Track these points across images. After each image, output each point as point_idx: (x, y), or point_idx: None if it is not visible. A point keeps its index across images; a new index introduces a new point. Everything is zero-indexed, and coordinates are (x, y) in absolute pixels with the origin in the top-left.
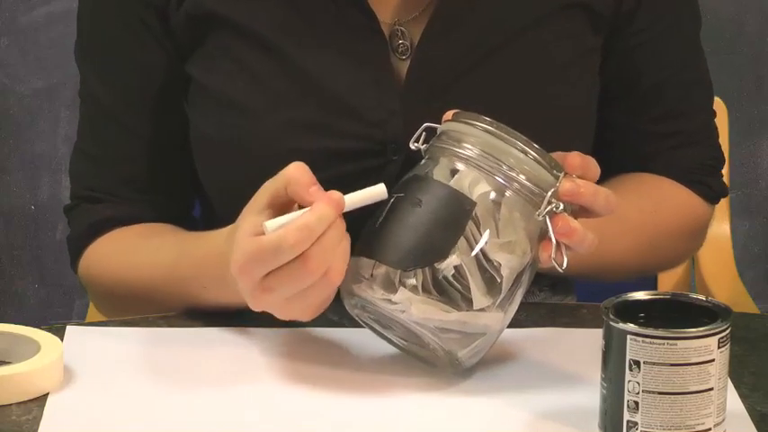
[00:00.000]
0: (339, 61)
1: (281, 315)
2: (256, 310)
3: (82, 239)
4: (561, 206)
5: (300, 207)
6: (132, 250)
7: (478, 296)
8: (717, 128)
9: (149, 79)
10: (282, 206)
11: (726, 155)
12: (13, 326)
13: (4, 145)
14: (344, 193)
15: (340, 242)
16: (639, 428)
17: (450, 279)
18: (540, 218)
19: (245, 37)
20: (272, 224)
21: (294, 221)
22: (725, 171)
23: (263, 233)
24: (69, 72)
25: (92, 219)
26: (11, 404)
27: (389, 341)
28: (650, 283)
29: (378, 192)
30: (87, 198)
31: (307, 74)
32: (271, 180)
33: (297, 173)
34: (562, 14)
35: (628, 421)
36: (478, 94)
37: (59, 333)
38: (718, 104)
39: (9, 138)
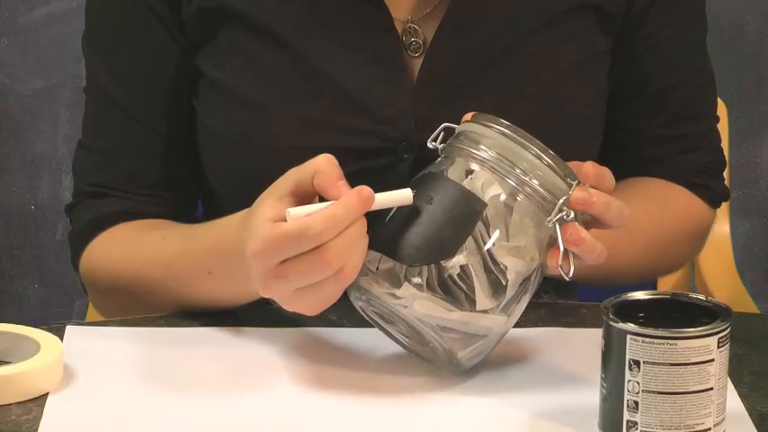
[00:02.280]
0: (352, 58)
1: (287, 305)
2: (265, 296)
3: (84, 235)
4: (572, 214)
5: (321, 200)
6: (135, 244)
7: (482, 297)
8: (719, 131)
9: (158, 71)
10: (305, 196)
11: (726, 155)
12: (13, 326)
13: (4, 145)
14: None
15: (360, 240)
16: (639, 428)
17: (456, 278)
18: (551, 224)
19: (257, 32)
20: (296, 212)
21: (321, 211)
22: (725, 171)
23: (284, 220)
24: (69, 72)
25: (95, 213)
26: (11, 404)
27: (391, 337)
28: (650, 283)
29: (404, 196)
30: (91, 194)
31: (319, 70)
32: (296, 168)
33: (326, 165)
34: (574, 15)
35: (628, 421)
36: (489, 93)
37: (59, 333)
38: (719, 104)
39: (9, 138)
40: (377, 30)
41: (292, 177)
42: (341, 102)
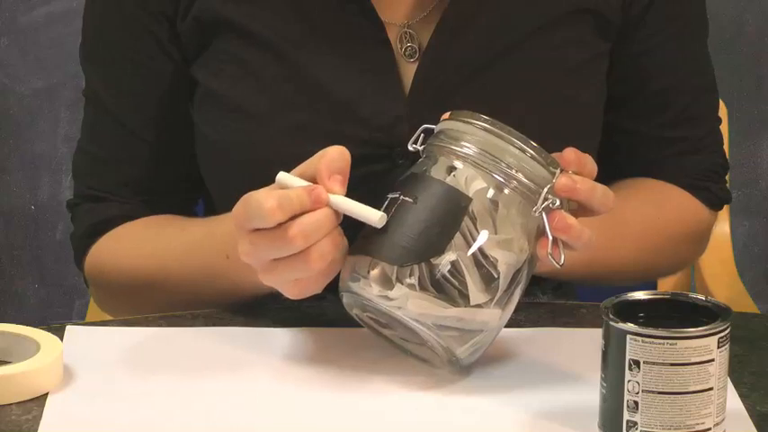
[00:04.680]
0: (345, 67)
1: (265, 277)
2: (246, 261)
3: (86, 237)
4: (558, 202)
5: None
6: (145, 238)
7: (475, 292)
8: (722, 134)
9: (153, 86)
10: (311, 179)
11: (726, 155)
12: (13, 326)
13: (4, 145)
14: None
15: (325, 224)
16: (639, 428)
17: (447, 275)
18: (537, 214)
19: (251, 42)
20: (284, 176)
21: (283, 191)
22: None
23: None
24: (69, 72)
25: (95, 218)
26: (11, 404)
27: (389, 341)
28: (650, 284)
29: (372, 216)
30: (90, 197)
31: (313, 79)
32: (317, 154)
33: (335, 153)
34: (571, 19)
35: (627, 421)
36: (484, 97)
37: (59, 333)
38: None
39: (9, 138)
40: (369, 40)
41: (308, 161)
42: (335, 110)
